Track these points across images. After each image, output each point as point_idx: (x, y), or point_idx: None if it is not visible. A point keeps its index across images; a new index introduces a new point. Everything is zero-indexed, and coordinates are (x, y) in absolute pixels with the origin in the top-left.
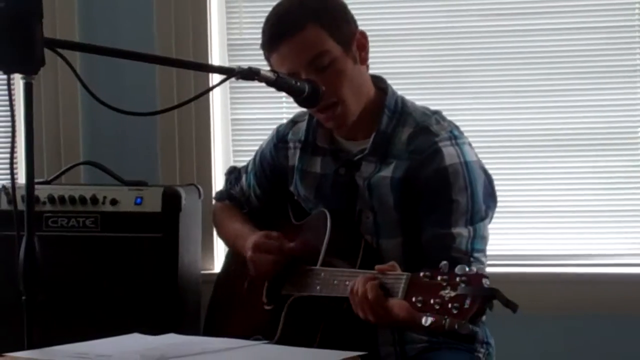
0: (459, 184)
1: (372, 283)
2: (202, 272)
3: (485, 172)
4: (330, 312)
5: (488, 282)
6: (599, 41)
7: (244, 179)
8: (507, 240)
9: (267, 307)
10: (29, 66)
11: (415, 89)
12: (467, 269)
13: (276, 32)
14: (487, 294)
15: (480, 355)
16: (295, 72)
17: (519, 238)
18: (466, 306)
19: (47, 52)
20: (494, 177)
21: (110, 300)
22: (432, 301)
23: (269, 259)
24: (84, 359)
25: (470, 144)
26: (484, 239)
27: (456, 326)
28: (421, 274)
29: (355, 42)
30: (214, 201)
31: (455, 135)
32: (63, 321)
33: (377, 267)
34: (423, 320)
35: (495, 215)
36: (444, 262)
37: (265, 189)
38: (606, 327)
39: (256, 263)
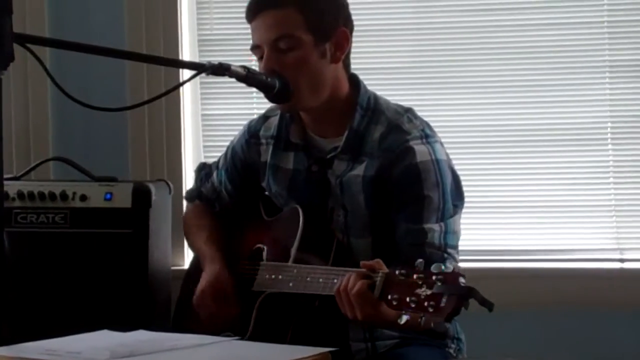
0: (430, 180)
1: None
2: (172, 268)
3: (453, 171)
4: (302, 309)
5: (464, 281)
6: (568, 37)
7: (215, 175)
8: (479, 235)
9: (237, 305)
10: None
11: (390, 85)
12: (443, 267)
13: (258, 2)
14: (464, 293)
15: (451, 350)
16: (260, 46)
17: (492, 233)
18: (442, 304)
19: (17, 48)
20: (466, 171)
21: (80, 297)
22: (407, 299)
23: (206, 314)
24: (53, 356)
25: (441, 143)
26: (456, 234)
27: (432, 324)
28: (397, 272)
29: (333, 39)
30: (184, 202)
31: (426, 134)
32: (33, 318)
33: (362, 263)
34: (399, 319)
35: (470, 210)
36: (420, 260)
37: (236, 185)
38: (578, 321)
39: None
